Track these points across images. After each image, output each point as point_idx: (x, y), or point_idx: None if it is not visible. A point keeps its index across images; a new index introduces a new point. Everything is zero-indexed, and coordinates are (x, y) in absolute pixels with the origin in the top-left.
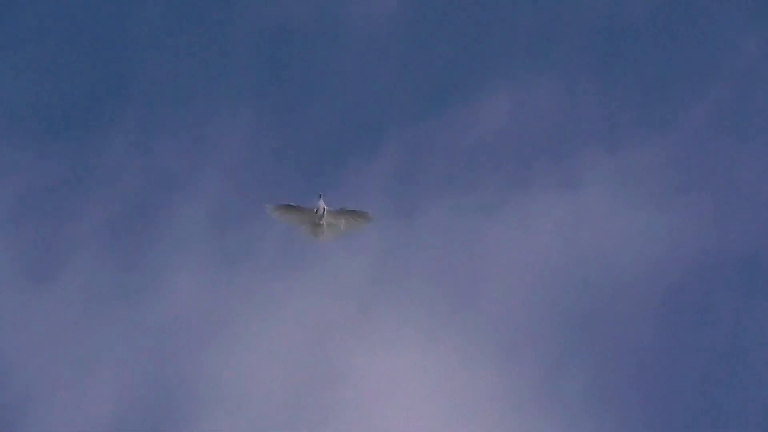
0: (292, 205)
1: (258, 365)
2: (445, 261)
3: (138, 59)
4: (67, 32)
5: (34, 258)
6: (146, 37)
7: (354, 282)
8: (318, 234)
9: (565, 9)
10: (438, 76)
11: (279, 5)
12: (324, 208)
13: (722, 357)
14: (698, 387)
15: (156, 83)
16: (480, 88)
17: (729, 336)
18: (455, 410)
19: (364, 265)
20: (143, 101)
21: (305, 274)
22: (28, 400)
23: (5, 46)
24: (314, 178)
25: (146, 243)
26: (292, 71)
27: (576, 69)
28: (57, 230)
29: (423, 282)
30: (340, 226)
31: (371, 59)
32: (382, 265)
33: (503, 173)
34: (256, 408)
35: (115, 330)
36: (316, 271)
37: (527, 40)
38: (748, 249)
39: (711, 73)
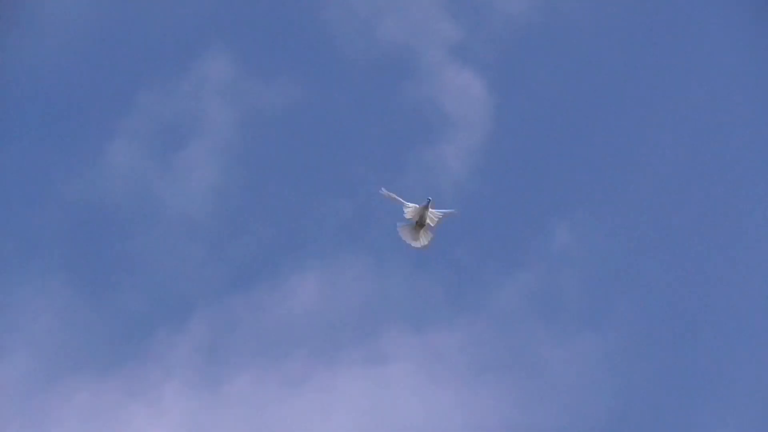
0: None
1: None
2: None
3: None
4: None
5: None
6: None
7: None
8: (419, 238)
9: (378, 193)
10: (249, 253)
11: (94, 182)
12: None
13: None
14: None
15: None
16: (291, 265)
17: None
18: None
19: None
20: None
21: None
22: None
23: None
24: (123, 350)
25: None
26: (103, 245)
27: (385, 250)
28: None
29: None
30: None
31: (182, 236)
32: None
33: (310, 348)
34: None
35: None
36: None
37: (338, 220)
38: (552, 427)
39: (520, 257)
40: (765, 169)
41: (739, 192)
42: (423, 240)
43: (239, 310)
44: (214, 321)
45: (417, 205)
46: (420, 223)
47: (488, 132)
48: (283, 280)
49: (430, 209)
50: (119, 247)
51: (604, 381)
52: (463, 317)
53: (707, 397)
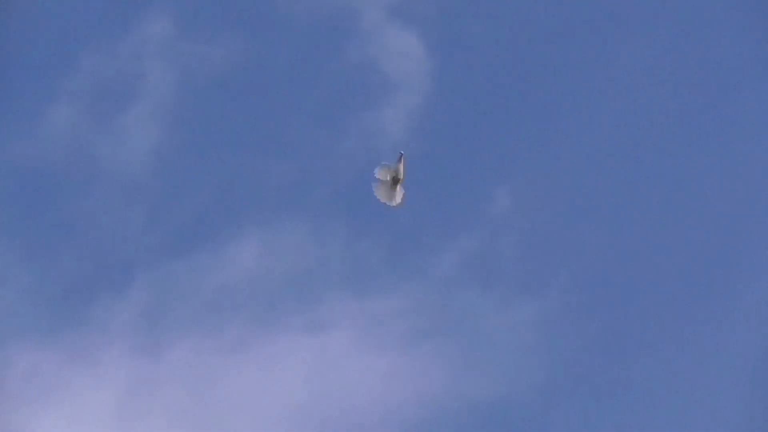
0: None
1: None
2: (191, 399)
3: None
4: None
5: None
6: None
7: (100, 416)
8: (395, 196)
9: (316, 156)
10: (188, 218)
11: (34, 144)
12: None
13: None
14: None
15: None
16: (229, 231)
17: None
18: None
19: (110, 399)
20: None
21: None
22: None
23: None
24: (63, 315)
25: None
26: (43, 209)
27: (325, 215)
28: None
29: (168, 419)
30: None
31: (122, 200)
32: (128, 400)
33: (249, 314)
34: None
35: None
36: (61, 403)
37: (277, 184)
38: (490, 394)
39: (460, 222)
40: (701, 135)
41: (677, 158)
42: (398, 197)
43: (179, 275)
44: (154, 286)
45: (389, 164)
46: (395, 180)
47: (428, 94)
48: (223, 244)
49: (402, 164)
50: (59, 211)
51: (543, 347)
52: (403, 283)
53: (645, 363)
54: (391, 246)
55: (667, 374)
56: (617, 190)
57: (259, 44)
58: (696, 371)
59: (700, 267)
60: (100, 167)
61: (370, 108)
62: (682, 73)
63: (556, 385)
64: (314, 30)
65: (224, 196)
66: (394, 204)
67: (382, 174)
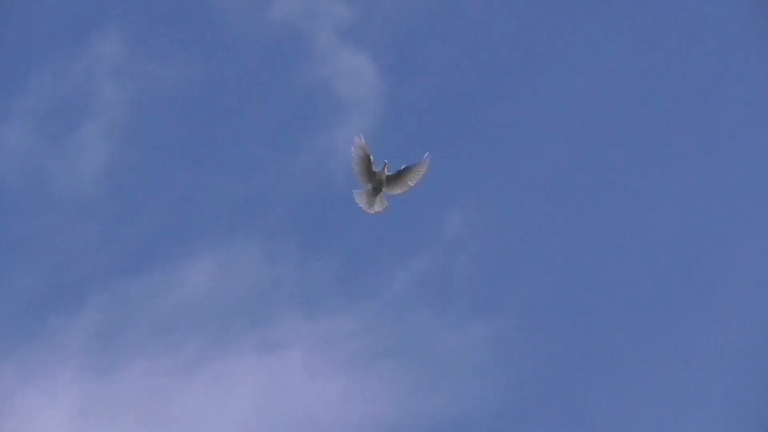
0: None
1: None
2: (144, 419)
3: None
4: None
5: None
6: None
7: None
8: (373, 204)
9: (269, 176)
10: (141, 238)
11: None
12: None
13: None
14: None
15: None
16: (182, 251)
17: None
18: None
19: (60, 420)
20: None
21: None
22: None
23: None
24: (15, 335)
25: None
26: None
27: (277, 235)
28: None
29: None
30: (405, 186)
31: (75, 219)
32: (81, 420)
33: (202, 334)
34: None
35: None
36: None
37: (230, 204)
38: (444, 415)
39: (413, 243)
40: (656, 154)
41: (629, 179)
42: (378, 206)
43: (132, 295)
44: (107, 306)
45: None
46: (376, 189)
47: (380, 116)
48: (176, 264)
49: (386, 172)
50: (10, 230)
51: (496, 368)
52: (356, 304)
53: (599, 384)
54: (344, 267)
55: (622, 396)
56: (570, 211)
57: (212, 65)
58: (652, 393)
59: (656, 289)
60: (52, 186)
61: (322, 129)
62: (637, 90)
63: (510, 406)
64: (267, 51)
65: (177, 216)
66: (372, 212)
67: (362, 179)
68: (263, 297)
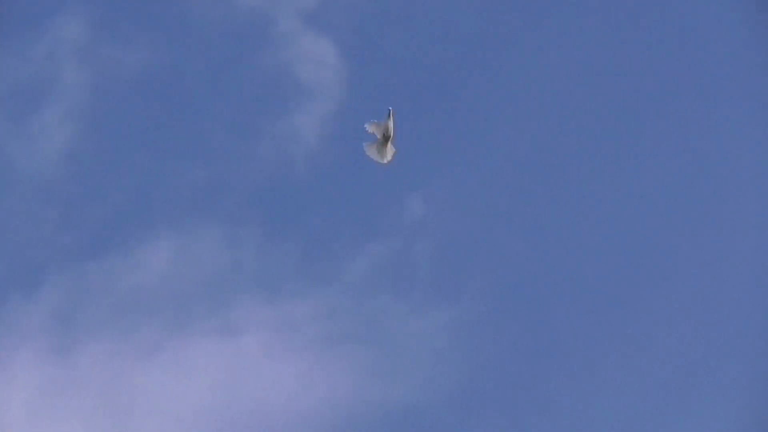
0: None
1: None
2: (102, 401)
3: None
4: None
5: None
6: None
7: (10, 418)
8: (384, 153)
9: (230, 160)
10: (101, 221)
11: None
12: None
13: None
14: None
15: None
16: (142, 234)
17: None
18: None
19: (20, 401)
20: None
21: None
22: None
23: None
24: None
25: None
26: None
27: (238, 219)
28: None
29: (79, 421)
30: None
31: (35, 201)
32: (39, 402)
33: (161, 318)
34: None
35: None
36: None
37: (191, 188)
38: (402, 400)
39: (373, 228)
40: (611, 141)
41: (591, 163)
42: (389, 155)
43: (92, 277)
44: (66, 288)
45: (378, 122)
46: (385, 137)
47: (341, 100)
48: (136, 247)
49: (392, 120)
50: None
51: (455, 353)
52: (316, 288)
53: (558, 370)
54: (304, 251)
55: (580, 381)
56: (531, 196)
57: (174, 48)
58: (610, 379)
59: (615, 273)
60: (13, 168)
61: (283, 113)
62: (593, 78)
63: (468, 391)
64: (229, 35)
65: (137, 199)
66: (385, 161)
67: (372, 130)
68: (223, 281)
